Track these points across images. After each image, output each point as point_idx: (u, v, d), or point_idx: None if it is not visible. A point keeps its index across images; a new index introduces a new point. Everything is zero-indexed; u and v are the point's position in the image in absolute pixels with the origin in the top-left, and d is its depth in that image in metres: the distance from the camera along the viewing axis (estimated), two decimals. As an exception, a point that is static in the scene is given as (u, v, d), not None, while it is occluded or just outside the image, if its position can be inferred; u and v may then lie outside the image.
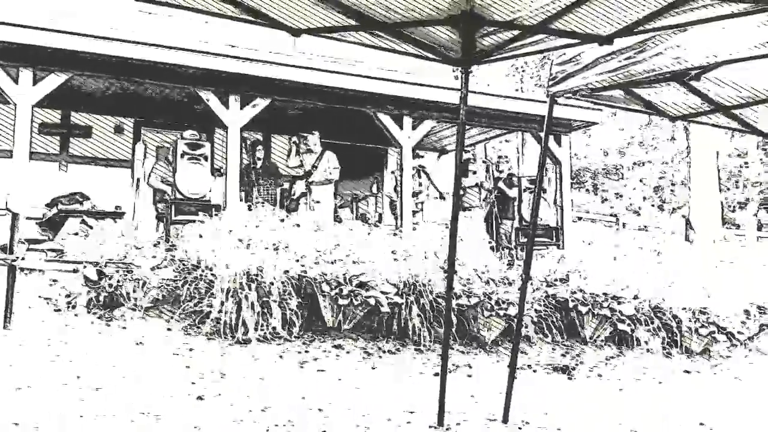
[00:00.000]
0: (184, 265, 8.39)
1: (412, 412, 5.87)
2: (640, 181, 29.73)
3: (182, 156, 10.30)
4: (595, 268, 10.08)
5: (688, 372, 8.99)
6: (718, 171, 21.50)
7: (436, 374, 6.99)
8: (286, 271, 8.10)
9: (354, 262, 8.46)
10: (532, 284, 9.24)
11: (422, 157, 13.31)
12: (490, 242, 11.17)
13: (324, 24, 4.81)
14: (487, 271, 9.36)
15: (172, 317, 7.93)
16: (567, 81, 5.34)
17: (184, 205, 10.15)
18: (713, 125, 6.31)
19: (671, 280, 10.14)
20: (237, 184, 10.57)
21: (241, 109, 10.61)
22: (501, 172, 13.65)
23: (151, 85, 10.98)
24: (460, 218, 11.85)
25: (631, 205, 29.43)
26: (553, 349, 8.95)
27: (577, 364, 8.57)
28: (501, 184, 13.34)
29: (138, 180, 11.62)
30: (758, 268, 11.98)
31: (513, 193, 13.12)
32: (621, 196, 29.85)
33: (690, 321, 9.66)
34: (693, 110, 5.96)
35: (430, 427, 5.48)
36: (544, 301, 9.29)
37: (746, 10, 3.98)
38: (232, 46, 10.72)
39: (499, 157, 15.00)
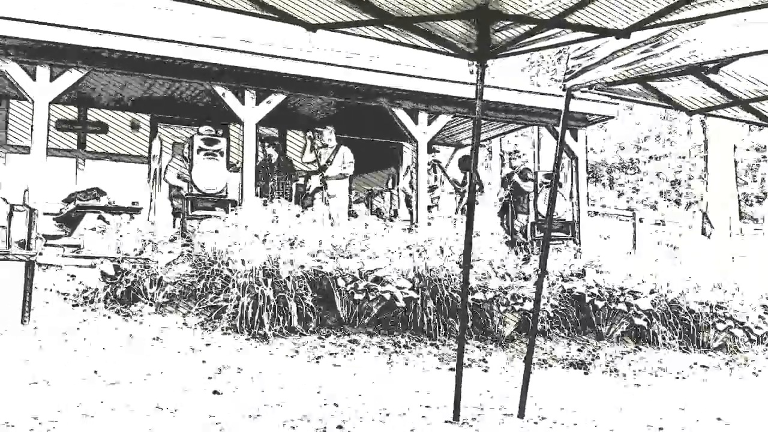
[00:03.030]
0: (200, 260, 8.43)
1: (427, 407, 5.87)
2: (657, 175, 29.57)
3: (198, 151, 10.35)
4: (611, 262, 10.04)
5: (705, 367, 8.95)
6: (736, 165, 21.39)
7: (452, 369, 6.99)
8: (302, 266, 8.12)
9: (369, 257, 8.47)
10: (548, 279, 9.22)
11: (438, 151, 13.28)
12: (505, 237, 11.15)
13: (340, 19, 4.81)
14: (503, 266, 9.35)
15: (188, 312, 7.97)
16: (583, 75, 5.32)
17: (200, 201, 10.20)
18: (731, 119, 6.27)
19: (688, 274, 10.09)
20: (253, 180, 10.60)
21: (256, 104, 10.63)
22: (514, 168, 13.62)
23: (167, 80, 11.03)
24: (481, 212, 11.85)
25: (647, 199, 29.29)
26: (569, 343, 8.93)
27: (593, 359, 8.54)
28: (516, 178, 13.31)
29: (154, 175, 11.67)
30: (776, 263, 11.89)
31: (528, 187, 13.09)
32: (637, 190, 29.71)
33: (707, 316, 9.62)
34: (710, 104, 5.92)
35: (445, 421, 5.48)
36: (560, 295, 9.27)
37: (764, 2, 3.95)
38: (248, 42, 10.74)
39: (513, 152, 14.96)
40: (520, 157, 13.87)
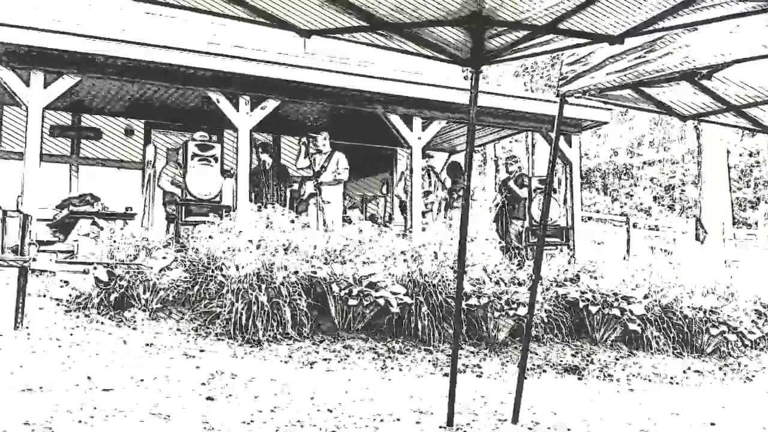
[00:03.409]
0: (194, 266, 8.41)
1: (421, 413, 5.87)
2: (651, 180, 29.65)
3: (192, 157, 10.33)
4: (605, 267, 10.07)
5: (699, 372, 8.97)
6: (729, 170, 21.45)
7: (446, 374, 6.99)
8: (296, 272, 8.12)
9: (364, 263, 8.47)
10: (542, 284, 9.23)
11: (432, 157, 13.29)
12: (500, 242, 11.16)
13: (334, 25, 4.82)
14: (497, 272, 9.36)
15: (182, 318, 7.95)
16: (577, 81, 5.34)
17: (195, 206, 10.18)
18: (724, 125, 6.30)
19: (682, 279, 10.12)
20: (247, 185, 10.59)
21: (251, 110, 10.62)
22: (510, 173, 13.62)
23: (162, 86, 11.01)
24: (475, 218, 11.86)
25: (641, 204, 29.35)
26: (563, 349, 8.93)
27: (587, 365, 8.55)
28: (511, 184, 13.32)
29: (148, 181, 11.65)
30: (769, 268, 11.92)
31: (523, 193, 13.09)
32: (631, 195, 29.78)
33: (701, 321, 9.64)
34: (704, 109, 5.94)
35: (440, 427, 5.48)
36: (554, 301, 9.28)
37: (756, 8, 3.96)
38: (242, 48, 10.73)
39: (509, 157, 14.98)
40: (517, 162, 13.88)
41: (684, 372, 8.85)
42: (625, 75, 5.06)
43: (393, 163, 14.78)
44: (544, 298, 9.10)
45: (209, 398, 5.84)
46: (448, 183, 13.56)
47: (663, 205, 29.24)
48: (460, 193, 13.03)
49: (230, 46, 10.61)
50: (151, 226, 10.90)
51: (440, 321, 8.45)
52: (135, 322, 7.70)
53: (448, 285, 8.58)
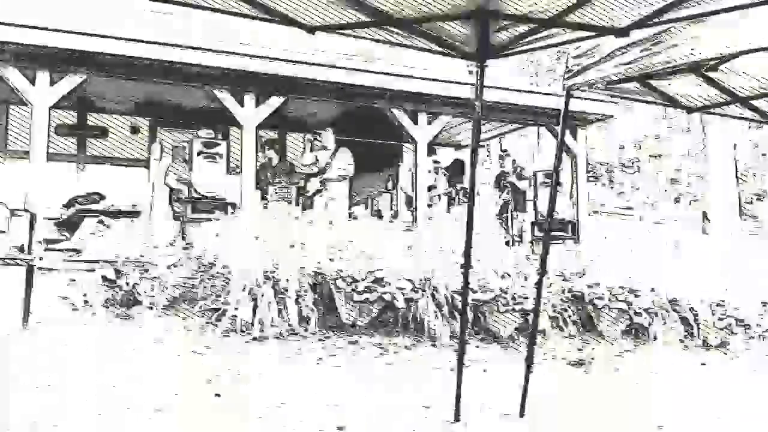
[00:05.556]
0: (200, 263, 8.42)
1: (428, 408, 5.86)
2: (657, 174, 29.56)
3: (198, 155, 10.36)
4: (611, 261, 10.04)
5: (705, 365, 8.95)
6: (735, 163, 21.37)
7: (452, 369, 6.97)
8: (302, 268, 8.12)
9: (369, 258, 8.46)
10: (547, 278, 9.21)
11: (437, 153, 13.28)
12: (505, 237, 11.14)
13: (338, 21, 4.81)
14: (502, 266, 9.34)
15: (188, 315, 7.96)
16: (583, 74, 5.32)
17: (201, 204, 10.20)
18: (731, 116, 6.27)
19: (688, 272, 10.09)
20: (252, 182, 10.59)
21: (256, 107, 10.62)
22: (503, 167, 13.62)
23: (167, 84, 11.01)
24: (479, 212, 11.82)
25: (647, 198, 29.27)
26: (569, 343, 8.92)
27: (593, 358, 8.54)
28: (512, 178, 13.31)
29: (154, 179, 11.66)
30: (776, 261, 11.88)
31: (523, 185, 13.09)
32: (637, 189, 29.70)
33: (707, 314, 9.61)
34: (710, 101, 5.92)
35: (446, 422, 5.48)
36: (560, 295, 9.26)
37: (763, -1, 3.95)
38: (247, 45, 10.73)
39: (502, 150, 14.97)
40: (509, 156, 13.88)
41: (690, 365, 8.83)
42: (631, 67, 5.04)
43: (398, 158, 14.76)
44: (550, 293, 9.08)
45: (216, 395, 5.85)
46: (454, 178, 13.56)
47: (669, 199, 29.16)
48: (465, 186, 13.05)
49: (236, 43, 10.61)
50: (158, 223, 10.91)
51: (446, 316, 8.44)
52: (142, 319, 7.72)
53: (454, 280, 8.57)
